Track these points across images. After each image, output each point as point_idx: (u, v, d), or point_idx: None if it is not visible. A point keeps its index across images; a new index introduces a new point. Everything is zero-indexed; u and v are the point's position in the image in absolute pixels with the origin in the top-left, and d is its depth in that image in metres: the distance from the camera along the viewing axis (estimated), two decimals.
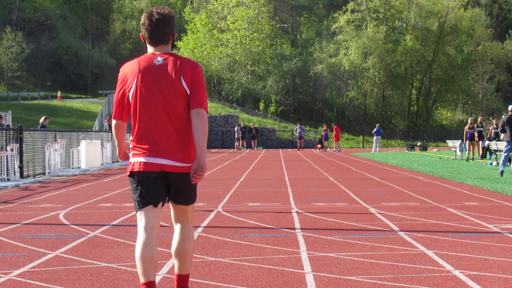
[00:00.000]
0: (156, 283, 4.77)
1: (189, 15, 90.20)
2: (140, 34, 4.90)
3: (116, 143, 5.04)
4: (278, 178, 20.06)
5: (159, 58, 4.79)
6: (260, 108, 77.71)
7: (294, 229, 9.23)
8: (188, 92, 4.73)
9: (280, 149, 55.82)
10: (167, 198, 4.88)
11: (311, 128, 75.16)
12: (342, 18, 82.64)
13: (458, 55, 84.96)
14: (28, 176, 20.91)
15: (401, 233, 8.73)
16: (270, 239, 8.28)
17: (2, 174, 19.07)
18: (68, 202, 13.29)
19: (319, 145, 53.26)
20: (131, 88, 4.76)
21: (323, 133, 55.07)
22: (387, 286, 5.77)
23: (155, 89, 4.72)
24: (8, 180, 19.19)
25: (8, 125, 20.22)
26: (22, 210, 11.99)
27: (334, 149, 52.50)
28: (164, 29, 4.80)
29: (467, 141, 31.69)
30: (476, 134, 31.87)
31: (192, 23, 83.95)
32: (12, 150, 19.71)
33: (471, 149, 31.44)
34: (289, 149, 56.82)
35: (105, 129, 34.06)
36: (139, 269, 4.66)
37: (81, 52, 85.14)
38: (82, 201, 13.46)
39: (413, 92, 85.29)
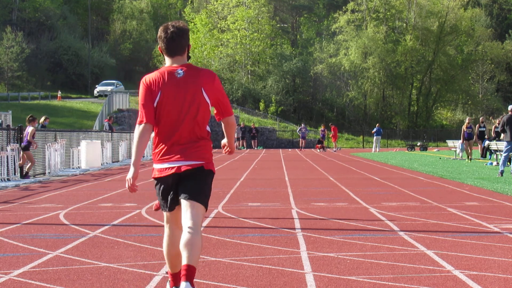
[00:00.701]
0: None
1: (189, 15, 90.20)
2: (158, 47, 5.22)
3: (133, 159, 5.08)
4: (278, 178, 20.06)
5: (180, 71, 5.11)
6: (260, 108, 77.71)
7: (294, 229, 9.23)
8: (209, 102, 5.10)
9: (280, 149, 55.83)
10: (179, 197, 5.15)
11: (311, 128, 75.15)
12: (342, 18, 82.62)
13: (458, 55, 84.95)
14: (28, 176, 20.91)
15: (401, 233, 8.74)
16: (270, 239, 8.28)
17: (2, 174, 19.07)
18: (68, 202, 13.29)
19: (318, 145, 53.31)
20: (155, 98, 5.06)
21: (320, 133, 55.30)
22: (387, 286, 5.78)
23: (178, 101, 5.05)
24: (8, 180, 19.19)
25: (8, 125, 20.20)
26: (22, 210, 11.99)
27: (333, 149, 52.54)
28: (179, 41, 5.12)
29: (465, 141, 31.48)
30: (478, 134, 31.67)
31: (192, 23, 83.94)
32: (12, 150, 19.72)
33: (469, 148, 31.23)
34: (289, 149, 56.81)
35: (105, 129, 34.04)
36: (167, 262, 5.26)
37: (81, 52, 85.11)
38: (82, 201, 13.46)
39: (413, 92, 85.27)
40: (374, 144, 51.09)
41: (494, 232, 8.81)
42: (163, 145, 5.09)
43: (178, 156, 5.04)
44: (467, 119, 32.68)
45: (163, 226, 9.40)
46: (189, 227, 4.95)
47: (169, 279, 5.33)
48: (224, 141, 5.46)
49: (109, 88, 72.96)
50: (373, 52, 79.95)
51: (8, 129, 20.46)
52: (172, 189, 5.09)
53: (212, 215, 10.88)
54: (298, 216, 10.66)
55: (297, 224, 9.73)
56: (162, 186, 5.11)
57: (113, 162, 31.20)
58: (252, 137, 60.37)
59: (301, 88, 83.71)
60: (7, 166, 19.36)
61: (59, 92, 74.72)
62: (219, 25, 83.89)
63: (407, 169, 24.35)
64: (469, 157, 30.75)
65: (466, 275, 6.15)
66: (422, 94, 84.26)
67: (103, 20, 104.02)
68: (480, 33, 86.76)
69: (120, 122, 60.05)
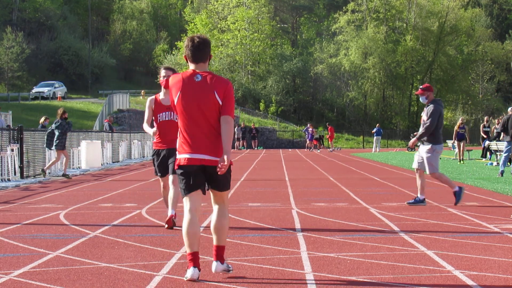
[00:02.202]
0: (199, 253, 6.00)
1: (189, 15, 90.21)
2: (184, 55, 6.13)
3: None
4: (279, 178, 20.06)
5: (199, 76, 6.00)
6: (261, 108, 77.71)
7: (295, 229, 9.23)
8: (220, 103, 5.93)
9: (281, 149, 55.82)
10: (207, 187, 6.07)
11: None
12: (342, 18, 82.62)
13: (458, 55, 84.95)
14: (28, 176, 20.92)
15: (402, 233, 8.74)
16: (270, 239, 8.28)
17: (3, 174, 19.07)
18: (68, 202, 13.29)
19: (315, 143, 53.99)
20: (175, 98, 6.01)
21: (308, 134, 55.75)
22: (388, 286, 5.78)
23: (194, 101, 5.95)
24: (9, 180, 19.19)
25: (8, 125, 20.21)
26: (23, 210, 11.99)
27: (332, 149, 52.58)
28: (203, 50, 6.03)
29: (457, 142, 30.69)
30: (484, 135, 30.95)
31: (193, 23, 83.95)
32: (12, 150, 19.71)
33: (461, 149, 30.30)
34: (290, 149, 56.80)
35: (105, 129, 34.04)
36: (185, 242, 5.93)
37: (81, 52, 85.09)
38: (83, 201, 13.46)
39: (413, 92, 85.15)
40: (374, 144, 51.11)
41: (494, 232, 8.81)
42: (183, 138, 6.01)
43: (200, 148, 5.91)
44: (460, 119, 31.98)
45: (163, 226, 9.45)
46: (219, 211, 6.04)
47: (188, 260, 5.95)
48: (220, 158, 5.91)
49: (46, 90, 69.23)
50: (373, 52, 79.95)
51: (8, 129, 20.46)
52: (192, 176, 5.94)
53: None
54: (298, 216, 10.66)
55: (297, 224, 9.73)
56: (183, 173, 5.98)
57: (113, 162, 31.21)
58: (252, 137, 60.37)
59: (301, 88, 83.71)
60: (7, 166, 19.36)
61: (59, 93, 74.68)
62: (219, 26, 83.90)
63: (407, 169, 24.35)
64: (461, 158, 29.85)
65: (466, 275, 6.15)
66: None
67: (103, 20, 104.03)
68: (480, 33, 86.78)
69: (121, 122, 60.04)
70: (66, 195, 15.11)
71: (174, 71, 9.07)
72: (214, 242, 6.07)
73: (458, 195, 12.06)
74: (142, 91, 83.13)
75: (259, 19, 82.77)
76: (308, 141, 54.81)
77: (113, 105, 63.84)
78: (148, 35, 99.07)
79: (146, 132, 10.95)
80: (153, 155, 9.65)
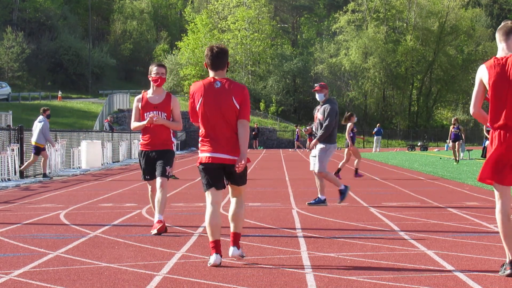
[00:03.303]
0: (220, 240, 6.61)
1: (190, 15, 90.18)
2: (204, 63, 6.75)
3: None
4: (279, 178, 20.06)
5: (218, 83, 6.62)
6: (261, 108, 77.70)
7: (295, 229, 9.23)
8: (238, 108, 6.58)
9: (281, 149, 55.83)
10: (226, 182, 6.74)
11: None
12: (342, 18, 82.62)
13: (458, 55, 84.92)
14: (28, 176, 20.92)
15: (402, 233, 8.74)
16: (270, 239, 8.28)
17: (3, 174, 19.07)
18: (68, 202, 13.29)
19: (297, 142, 54.67)
20: (198, 103, 6.62)
21: (297, 134, 56.11)
22: (388, 286, 5.78)
23: (215, 106, 6.57)
24: (9, 180, 19.19)
25: (8, 125, 20.20)
26: (23, 210, 11.99)
27: None
28: (222, 58, 6.64)
29: (451, 142, 29.72)
30: (487, 134, 30.72)
31: (193, 23, 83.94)
32: (12, 150, 19.71)
33: (456, 149, 29.33)
34: (290, 149, 56.83)
35: (106, 129, 34.05)
36: (208, 232, 6.58)
37: (81, 52, 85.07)
38: (83, 201, 13.46)
39: (413, 92, 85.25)
40: (374, 144, 51.11)
41: (495, 232, 8.80)
42: (205, 140, 6.64)
43: (220, 148, 6.56)
44: (453, 119, 31.41)
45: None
46: (236, 203, 6.75)
47: (211, 247, 6.62)
48: (238, 158, 6.60)
49: None
50: (374, 52, 79.94)
51: (8, 129, 20.46)
52: (213, 172, 6.61)
53: None
54: (299, 216, 10.66)
55: (297, 224, 9.73)
56: (205, 170, 6.63)
57: (113, 162, 31.21)
58: (253, 137, 60.37)
59: (301, 88, 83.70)
60: (8, 166, 19.37)
61: (60, 92, 74.71)
62: (219, 25, 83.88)
63: (407, 169, 24.36)
64: (456, 158, 29.22)
65: (467, 275, 6.15)
66: (422, 94, 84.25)
67: (103, 20, 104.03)
68: (481, 33, 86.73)
69: (121, 122, 60.04)
70: (66, 195, 15.11)
71: (165, 68, 9.13)
72: (231, 230, 6.74)
73: (343, 193, 12.10)
74: (143, 91, 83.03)
75: (259, 19, 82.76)
76: (296, 142, 55.90)
77: (113, 105, 63.85)
78: (149, 35, 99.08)
79: (139, 130, 10.24)
80: (140, 157, 9.11)
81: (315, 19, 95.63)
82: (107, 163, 29.68)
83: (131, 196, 14.53)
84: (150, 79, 9.12)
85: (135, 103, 9.10)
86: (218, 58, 6.61)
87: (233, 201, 6.82)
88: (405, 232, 8.80)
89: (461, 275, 6.16)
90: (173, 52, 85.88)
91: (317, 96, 12.29)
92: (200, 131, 6.70)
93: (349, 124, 19.60)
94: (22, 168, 20.30)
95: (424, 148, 53.02)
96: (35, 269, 6.60)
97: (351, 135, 19.90)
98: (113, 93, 69.01)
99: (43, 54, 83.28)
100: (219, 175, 6.64)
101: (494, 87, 5.96)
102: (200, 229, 9.21)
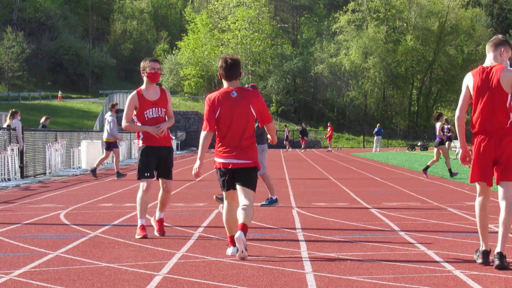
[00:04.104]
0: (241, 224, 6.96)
1: (190, 15, 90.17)
2: (218, 73, 7.22)
3: (199, 155, 7.19)
4: (279, 178, 20.06)
5: (234, 92, 7.12)
6: None
7: (295, 229, 9.23)
8: (255, 115, 7.14)
9: (281, 149, 55.83)
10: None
11: (312, 128, 75.17)
12: (342, 18, 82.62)
13: (458, 55, 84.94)
14: (28, 176, 20.92)
15: (402, 233, 8.74)
16: (270, 239, 8.28)
17: (3, 174, 19.07)
18: (68, 202, 13.29)
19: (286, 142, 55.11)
20: (216, 112, 7.08)
21: (287, 133, 56.24)
22: (388, 286, 5.78)
23: (232, 114, 7.08)
24: (9, 180, 19.19)
25: (9, 125, 20.20)
26: (23, 210, 11.99)
27: (330, 149, 52.62)
28: (235, 69, 7.14)
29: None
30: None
31: (193, 23, 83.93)
32: (12, 150, 19.71)
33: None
34: (290, 149, 56.81)
35: None
36: (226, 227, 7.22)
37: (81, 52, 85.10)
38: (83, 201, 13.46)
39: (413, 92, 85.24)
40: (374, 144, 51.11)
41: (495, 232, 8.80)
42: (222, 145, 7.12)
43: (233, 154, 7.06)
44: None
45: (164, 227, 9.42)
46: (244, 204, 7.05)
47: (229, 241, 7.25)
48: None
49: None
50: (374, 52, 79.94)
51: (8, 129, 20.46)
52: (230, 175, 7.12)
53: (213, 215, 10.89)
54: (299, 216, 10.67)
55: (297, 224, 9.73)
56: (221, 173, 7.16)
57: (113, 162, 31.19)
58: None
59: (301, 88, 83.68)
60: (8, 166, 19.36)
61: (60, 92, 74.73)
62: (219, 25, 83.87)
63: (407, 169, 24.36)
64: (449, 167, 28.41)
65: (467, 275, 6.15)
66: (422, 94, 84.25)
67: (103, 20, 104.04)
68: (481, 33, 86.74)
69: (121, 122, 60.07)
70: (66, 195, 15.12)
71: (160, 63, 9.05)
72: (240, 221, 7.03)
73: (270, 202, 12.02)
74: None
75: (260, 19, 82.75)
76: (285, 141, 56.14)
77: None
78: (149, 34, 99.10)
79: (132, 131, 10.08)
80: (141, 153, 8.63)
81: (315, 19, 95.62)
82: (107, 163, 29.68)
83: (131, 196, 14.53)
84: (144, 75, 8.81)
85: (131, 101, 8.67)
86: (232, 68, 7.11)
87: (242, 203, 7.08)
88: (405, 232, 8.80)
89: (461, 275, 6.16)
90: (173, 52, 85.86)
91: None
92: (217, 137, 7.17)
93: (438, 124, 19.67)
94: (95, 165, 20.64)
95: (424, 148, 53.01)
96: (35, 269, 6.60)
97: (443, 134, 19.94)
98: (113, 93, 69.02)
99: (43, 54, 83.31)
100: (233, 178, 7.15)
101: (478, 93, 6.47)
102: (200, 229, 9.22)
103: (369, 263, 6.72)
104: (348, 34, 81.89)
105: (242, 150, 7.08)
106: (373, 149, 51.36)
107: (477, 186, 6.62)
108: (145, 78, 8.85)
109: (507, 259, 6.41)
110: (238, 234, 6.87)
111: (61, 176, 22.03)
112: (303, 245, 7.83)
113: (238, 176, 7.11)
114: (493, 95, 6.38)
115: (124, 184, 18.13)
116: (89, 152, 26.22)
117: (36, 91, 77.29)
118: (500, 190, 6.49)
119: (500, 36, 6.64)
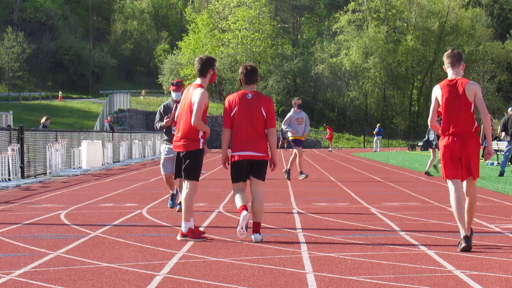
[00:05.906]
0: (246, 205, 8.03)
1: (190, 15, 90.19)
2: (239, 78, 8.42)
3: (223, 149, 8.26)
4: (279, 178, 20.05)
5: (249, 95, 8.25)
6: None
7: (295, 229, 9.23)
8: (265, 116, 8.18)
9: (281, 149, 55.86)
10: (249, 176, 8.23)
11: (312, 128, 75.14)
12: (343, 18, 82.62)
13: None
14: (29, 176, 20.93)
15: (402, 233, 8.74)
16: (271, 239, 8.29)
17: (3, 174, 19.07)
18: (69, 202, 13.29)
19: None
20: (233, 111, 8.14)
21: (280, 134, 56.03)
22: (388, 286, 5.78)
23: (247, 114, 8.16)
24: (9, 180, 19.20)
25: (9, 125, 20.20)
26: (23, 210, 12.00)
27: (330, 149, 52.67)
28: (254, 75, 8.34)
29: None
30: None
31: (194, 23, 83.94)
32: (13, 150, 19.71)
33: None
34: (291, 149, 56.82)
35: (106, 129, 34.05)
36: (236, 202, 8.07)
37: (82, 52, 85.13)
38: (83, 201, 13.47)
39: (414, 92, 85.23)
40: (375, 144, 51.12)
41: (495, 232, 8.81)
42: (238, 140, 8.14)
43: (249, 147, 8.09)
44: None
45: (163, 226, 9.48)
46: (255, 197, 8.17)
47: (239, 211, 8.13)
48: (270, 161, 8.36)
49: None
50: (374, 52, 79.94)
51: (9, 129, 20.45)
52: (242, 167, 8.13)
53: (213, 215, 10.90)
54: (299, 216, 10.67)
55: (298, 224, 9.73)
56: (235, 165, 8.14)
57: (114, 162, 31.21)
58: None
59: (302, 88, 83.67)
60: (8, 166, 19.36)
61: (60, 92, 74.75)
62: (220, 25, 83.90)
63: (408, 169, 24.36)
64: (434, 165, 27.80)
65: (467, 275, 6.15)
66: (423, 94, 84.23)
67: (104, 20, 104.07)
68: (481, 33, 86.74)
69: (121, 122, 60.05)
70: (66, 195, 15.12)
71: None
72: (253, 220, 8.12)
73: (172, 199, 11.57)
74: (143, 91, 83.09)
75: (260, 19, 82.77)
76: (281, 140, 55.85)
77: (114, 105, 63.83)
78: (149, 35, 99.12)
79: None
80: (201, 155, 8.35)
81: (316, 19, 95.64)
82: (108, 163, 29.69)
83: (131, 196, 14.53)
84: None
85: (208, 102, 8.35)
86: (251, 74, 8.28)
87: (254, 196, 8.17)
88: (405, 232, 8.80)
89: (461, 275, 6.16)
90: (174, 52, 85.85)
91: (173, 95, 11.23)
92: (234, 133, 8.16)
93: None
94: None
95: (425, 148, 52.99)
96: (36, 269, 6.60)
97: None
98: (114, 93, 69.02)
99: (44, 54, 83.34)
100: (245, 171, 8.16)
101: (446, 103, 7.52)
102: (200, 229, 9.21)
103: (370, 263, 6.72)
104: (348, 34, 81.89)
105: (256, 144, 8.10)
106: (374, 149, 51.43)
107: (449, 182, 7.56)
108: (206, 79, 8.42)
109: (472, 241, 7.43)
110: (254, 237, 8.00)
111: (61, 176, 22.03)
112: (303, 245, 7.83)
113: (253, 168, 8.15)
114: (460, 104, 7.47)
115: (125, 184, 18.14)
116: (89, 152, 26.22)
117: (36, 91, 77.31)
118: (464, 185, 7.61)
119: (456, 51, 7.64)
